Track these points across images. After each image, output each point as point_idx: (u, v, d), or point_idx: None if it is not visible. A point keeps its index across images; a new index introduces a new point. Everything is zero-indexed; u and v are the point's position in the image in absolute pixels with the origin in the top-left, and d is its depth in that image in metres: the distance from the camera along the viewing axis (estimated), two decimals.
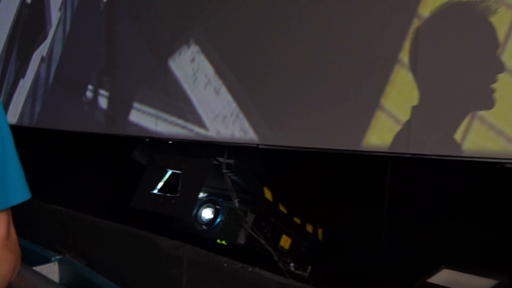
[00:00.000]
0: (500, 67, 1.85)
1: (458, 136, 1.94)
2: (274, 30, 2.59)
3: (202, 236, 3.23)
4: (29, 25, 4.48)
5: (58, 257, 2.66)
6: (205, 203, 3.32)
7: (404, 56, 2.11)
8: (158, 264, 2.58)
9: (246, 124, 2.70)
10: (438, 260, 2.18)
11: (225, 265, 2.29)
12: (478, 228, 2.23)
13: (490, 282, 1.90)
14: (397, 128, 2.10)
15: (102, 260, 2.74)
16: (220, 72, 2.79)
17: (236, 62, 2.75)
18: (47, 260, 2.61)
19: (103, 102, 3.64)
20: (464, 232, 2.25)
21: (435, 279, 1.97)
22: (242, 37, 2.74)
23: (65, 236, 2.91)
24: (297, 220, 3.39)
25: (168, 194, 3.21)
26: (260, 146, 2.66)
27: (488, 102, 1.87)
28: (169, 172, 3.30)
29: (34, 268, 2.57)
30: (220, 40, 2.86)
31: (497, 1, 1.86)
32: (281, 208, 3.31)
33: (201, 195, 3.34)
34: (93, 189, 3.74)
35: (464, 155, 1.92)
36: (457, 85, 1.97)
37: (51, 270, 2.53)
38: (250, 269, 2.20)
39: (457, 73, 1.97)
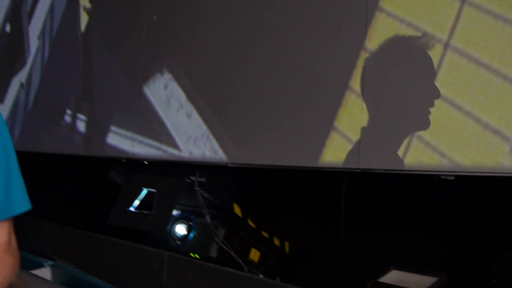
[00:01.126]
0: (436, 93, 2.13)
1: (400, 152, 2.22)
2: (239, 60, 2.86)
3: (176, 250, 3.44)
4: (8, 52, 4.68)
5: (50, 262, 2.88)
6: (178, 219, 3.54)
7: (354, 83, 2.39)
8: (140, 260, 2.80)
9: (215, 145, 2.95)
10: (388, 264, 2.44)
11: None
12: (422, 234, 2.50)
13: (432, 279, 2.17)
14: (349, 147, 2.37)
15: (89, 263, 2.97)
16: (191, 98, 3.04)
17: (205, 88, 3.01)
18: (40, 266, 2.83)
19: (81, 126, 3.86)
20: (410, 238, 2.52)
21: (385, 278, 2.23)
22: (211, 66, 3.00)
23: (53, 245, 3.11)
24: (265, 234, 3.63)
25: (144, 211, 3.43)
26: (228, 165, 2.92)
27: (425, 123, 2.15)
28: (145, 191, 3.52)
29: (30, 271, 2.78)
30: (191, 69, 3.11)
31: (433, 38, 2.15)
32: (250, 223, 3.55)
33: (174, 212, 3.56)
34: (73, 206, 3.94)
35: (405, 169, 2.20)
36: (399, 108, 2.25)
37: (45, 274, 2.74)
38: None
39: (399, 99, 2.26)
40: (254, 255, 3.61)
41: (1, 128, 1.44)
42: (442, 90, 2.12)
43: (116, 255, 3.03)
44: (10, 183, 1.44)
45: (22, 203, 1.47)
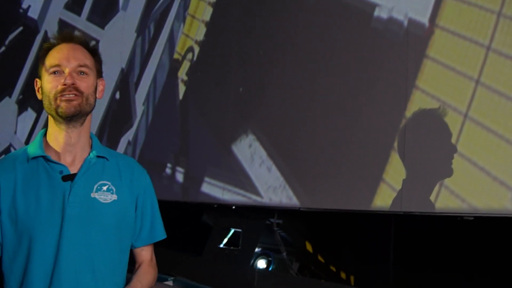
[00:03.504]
0: (454, 150, 2.79)
1: (432, 198, 2.87)
2: (308, 125, 3.60)
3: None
4: (118, 116, 5.60)
5: (172, 278, 3.71)
6: (260, 255, 4.26)
7: (397, 145, 3.07)
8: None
9: (290, 193, 3.67)
10: None
11: None
12: (463, 271, 3.11)
13: None
14: (394, 194, 3.04)
15: (203, 278, 3.82)
16: (271, 155, 3.80)
17: (282, 148, 3.76)
18: (165, 280, 3.69)
19: (179, 177, 4.68)
20: (448, 275, 3.15)
21: None
22: (286, 130, 3.76)
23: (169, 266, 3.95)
24: (333, 268, 4.28)
25: (231, 248, 4.18)
26: (301, 209, 3.63)
27: (450, 173, 2.80)
28: (232, 231, 4.27)
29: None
30: (270, 131, 3.88)
31: (449, 107, 2.82)
32: (320, 258, 4.22)
33: (257, 249, 4.29)
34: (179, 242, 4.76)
35: (436, 211, 2.84)
36: (430, 163, 2.92)
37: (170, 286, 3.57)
38: None
39: (430, 155, 2.92)
40: None
41: (148, 181, 2.16)
42: (462, 151, 2.77)
43: (217, 271, 3.85)
44: (154, 219, 2.13)
45: (161, 233, 2.17)
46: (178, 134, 4.79)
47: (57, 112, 1.84)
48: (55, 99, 1.83)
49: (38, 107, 6.81)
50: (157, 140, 5.06)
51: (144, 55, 5.45)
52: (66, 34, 1.94)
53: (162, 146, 4.97)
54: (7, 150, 7.14)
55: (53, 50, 1.89)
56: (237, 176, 4.07)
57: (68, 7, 6.77)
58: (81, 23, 6.41)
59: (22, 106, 7.20)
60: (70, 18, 6.64)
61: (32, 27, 7.27)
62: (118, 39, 5.77)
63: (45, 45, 1.93)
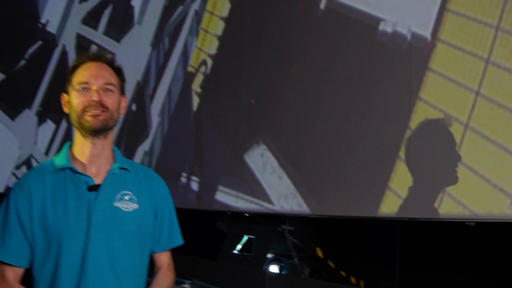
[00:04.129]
0: (458, 158, 2.93)
1: (436, 204, 3.00)
2: (316, 136, 3.75)
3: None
4: (134, 126, 5.78)
5: (189, 281, 3.88)
6: (272, 260, 4.41)
7: (402, 153, 3.21)
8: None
9: (301, 201, 3.82)
10: None
11: None
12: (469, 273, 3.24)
13: None
14: (399, 201, 3.18)
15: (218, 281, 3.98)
16: (282, 164, 3.95)
17: (292, 157, 3.91)
18: (182, 283, 3.86)
19: (194, 186, 4.84)
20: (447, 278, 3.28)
21: None
22: (296, 140, 3.91)
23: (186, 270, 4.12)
24: (343, 273, 4.42)
25: (245, 253, 4.33)
26: (311, 216, 3.78)
27: (452, 181, 2.94)
28: (245, 237, 4.43)
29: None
30: (281, 141, 4.03)
31: (451, 117, 2.96)
32: (330, 263, 4.36)
33: (269, 254, 4.44)
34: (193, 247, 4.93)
35: (440, 217, 2.98)
36: (434, 171, 3.05)
37: None
38: None
39: (434, 164, 3.06)
40: None
41: (166, 191, 2.31)
42: (463, 159, 2.90)
43: (231, 275, 4.00)
44: (172, 226, 2.29)
45: (179, 239, 2.32)
46: (193, 144, 4.95)
47: (83, 126, 2.00)
48: (82, 114, 2.00)
49: (57, 118, 7.02)
50: (173, 150, 5.23)
51: (159, 68, 5.64)
52: (94, 53, 2.11)
53: (178, 155, 5.14)
54: (27, 160, 7.34)
55: (81, 68, 2.05)
56: (250, 184, 4.22)
57: (85, 21, 6.97)
58: (97, 37, 6.61)
59: (41, 118, 7.39)
60: (87, 32, 6.84)
61: (50, 41, 7.48)
62: (133, 52, 5.96)
63: (73, 63, 2.10)
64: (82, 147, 2.05)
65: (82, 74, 2.03)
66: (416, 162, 3.14)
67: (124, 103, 2.12)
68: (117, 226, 2.00)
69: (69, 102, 2.05)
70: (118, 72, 2.11)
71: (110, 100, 2.02)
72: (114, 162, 2.08)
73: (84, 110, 2.00)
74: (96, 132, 2.01)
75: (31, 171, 2.12)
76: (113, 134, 2.12)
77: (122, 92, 2.12)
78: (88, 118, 1.99)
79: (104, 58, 2.10)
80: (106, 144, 2.07)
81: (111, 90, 2.04)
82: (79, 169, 2.02)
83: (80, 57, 2.11)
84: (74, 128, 2.06)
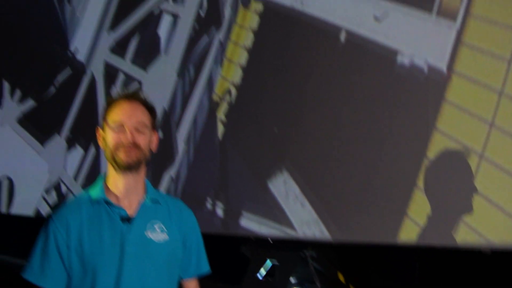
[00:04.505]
0: (474, 188, 3.02)
1: (453, 233, 3.09)
2: (337, 165, 3.87)
3: None
4: (161, 153, 5.93)
5: None
6: (294, 285, 4.50)
7: (420, 182, 3.31)
8: None
9: (323, 227, 3.93)
10: None
11: None
12: None
13: None
14: (418, 229, 3.28)
15: None
16: (304, 192, 4.08)
17: (315, 184, 4.03)
18: None
19: (219, 211, 4.98)
20: None
21: None
22: (318, 168, 4.03)
23: None
24: None
25: (268, 278, 4.44)
26: (333, 242, 3.88)
27: (468, 210, 3.03)
28: (269, 262, 4.53)
29: None
30: (304, 169, 4.16)
31: (467, 148, 3.07)
32: None
33: (292, 279, 4.54)
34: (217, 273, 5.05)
35: (458, 245, 3.07)
36: (452, 201, 3.15)
37: None
38: None
39: (451, 193, 3.16)
40: None
41: (194, 221, 2.45)
42: (479, 188, 3.00)
43: None
44: (200, 255, 2.40)
45: (206, 267, 2.43)
46: (218, 171, 5.10)
47: (116, 163, 2.16)
48: (116, 151, 2.15)
49: (86, 144, 7.21)
50: (198, 176, 5.37)
51: (185, 96, 5.82)
52: (128, 93, 2.27)
53: (203, 182, 5.28)
54: (57, 185, 7.54)
55: (116, 107, 2.20)
56: (273, 211, 4.35)
57: (113, 50, 7.20)
58: (125, 65, 6.82)
59: (70, 143, 7.59)
60: (115, 60, 7.06)
61: (79, 69, 7.71)
62: (160, 80, 6.15)
63: (108, 100, 2.25)
64: (115, 180, 2.20)
65: (117, 113, 2.18)
66: (434, 191, 3.24)
67: (156, 139, 2.27)
68: (149, 256, 2.14)
69: (103, 138, 2.21)
70: (151, 110, 2.26)
71: (142, 139, 2.17)
72: (146, 194, 2.23)
73: (118, 147, 2.15)
74: (128, 168, 2.16)
75: (68, 203, 2.28)
76: (145, 168, 2.27)
77: (154, 128, 2.27)
78: (121, 155, 2.14)
79: (138, 97, 2.25)
80: (138, 178, 2.22)
81: (143, 129, 2.19)
82: (113, 201, 2.18)
83: (115, 96, 2.27)
84: (108, 162, 2.21)
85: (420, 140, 3.33)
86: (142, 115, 2.20)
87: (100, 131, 2.23)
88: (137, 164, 2.17)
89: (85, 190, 2.29)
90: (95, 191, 2.22)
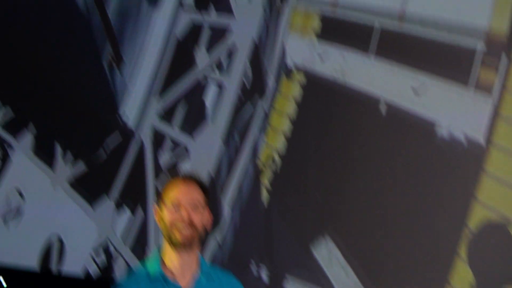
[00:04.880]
0: None
1: None
2: (382, 232, 3.98)
3: None
4: None
5: None
6: None
7: (461, 251, 3.39)
8: None
9: None
10: None
11: None
12: None
13: None
14: None
15: None
16: (348, 260, 4.17)
17: (358, 252, 4.13)
18: None
19: (264, 277, 5.08)
20: None
21: None
22: (362, 235, 4.14)
23: None
24: None
25: None
26: None
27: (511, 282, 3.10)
28: None
29: None
30: (347, 236, 4.27)
31: (507, 218, 3.14)
32: None
33: None
34: None
35: None
36: (494, 272, 3.21)
37: None
38: None
39: (494, 265, 3.22)
40: None
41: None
42: None
43: None
44: None
45: None
46: (262, 237, 5.23)
47: (172, 240, 2.32)
48: (172, 229, 2.31)
49: (134, 207, 7.43)
50: (244, 243, 5.51)
51: (230, 162, 6.02)
52: (185, 174, 2.46)
53: (248, 248, 5.41)
54: (105, 246, 7.74)
55: (173, 186, 2.35)
56: (317, 276, 4.45)
57: (161, 116, 7.48)
58: (173, 132, 7.09)
59: (119, 205, 7.82)
60: (163, 127, 7.34)
61: (128, 133, 8.02)
62: (206, 147, 6.38)
63: (166, 180, 2.42)
64: (171, 257, 2.35)
65: (173, 192, 2.33)
66: (476, 261, 3.31)
67: (210, 218, 2.43)
68: None
69: (160, 215, 2.38)
70: (206, 190, 2.43)
71: (198, 218, 2.32)
72: (200, 270, 2.38)
73: (173, 226, 2.31)
74: (183, 247, 2.32)
75: (127, 278, 2.45)
76: (199, 245, 2.42)
77: (208, 207, 2.44)
78: (176, 234, 2.29)
79: (194, 178, 2.43)
80: (193, 255, 2.37)
81: (198, 208, 2.34)
82: (170, 277, 2.33)
83: (172, 177, 2.45)
84: (164, 238, 2.38)
85: (461, 209, 3.43)
86: (198, 195, 2.35)
87: (157, 208, 2.40)
88: (192, 243, 2.32)
89: (141, 264, 2.44)
90: (152, 267, 2.37)
